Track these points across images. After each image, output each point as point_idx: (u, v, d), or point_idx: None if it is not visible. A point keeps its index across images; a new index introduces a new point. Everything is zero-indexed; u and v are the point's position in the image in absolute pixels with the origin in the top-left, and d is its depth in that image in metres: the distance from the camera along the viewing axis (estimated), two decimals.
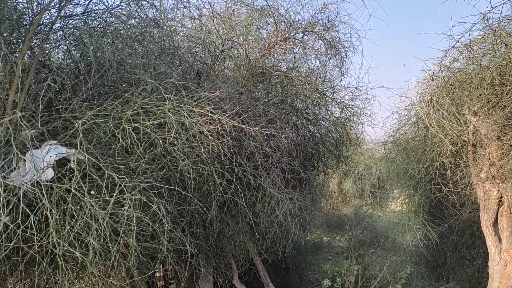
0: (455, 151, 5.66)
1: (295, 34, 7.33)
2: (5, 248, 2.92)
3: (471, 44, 4.95)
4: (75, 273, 3.21)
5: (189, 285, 9.67)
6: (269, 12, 7.27)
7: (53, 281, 3.40)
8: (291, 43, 7.38)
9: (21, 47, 4.50)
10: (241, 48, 7.15)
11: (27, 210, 3.00)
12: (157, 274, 8.01)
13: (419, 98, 6.04)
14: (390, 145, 7.71)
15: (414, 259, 8.69)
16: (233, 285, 6.83)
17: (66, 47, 4.70)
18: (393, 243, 9.06)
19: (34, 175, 3.54)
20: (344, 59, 7.48)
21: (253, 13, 7.35)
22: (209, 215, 4.83)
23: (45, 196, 3.04)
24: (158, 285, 8.25)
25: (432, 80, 5.04)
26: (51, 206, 3.02)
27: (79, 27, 4.52)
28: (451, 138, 5.50)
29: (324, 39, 7.45)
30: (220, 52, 6.72)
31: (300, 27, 7.26)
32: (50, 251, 3.21)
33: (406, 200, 7.16)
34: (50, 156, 3.78)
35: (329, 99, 7.66)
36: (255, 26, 7.42)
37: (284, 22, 7.31)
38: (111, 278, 3.34)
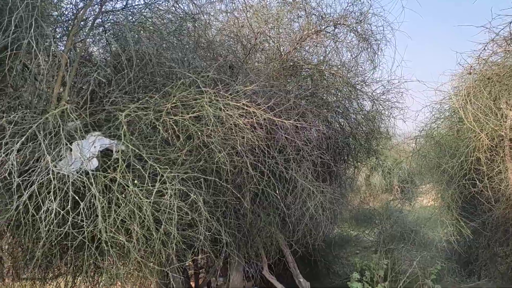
0: (491, 146, 5.56)
1: (327, 27, 7.32)
2: (57, 233, 3.10)
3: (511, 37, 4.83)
4: (119, 259, 3.36)
5: (220, 274, 9.87)
6: (301, 5, 7.28)
7: (98, 266, 3.57)
8: (323, 36, 7.37)
9: (63, 42, 4.71)
10: (273, 41, 7.19)
11: (76, 198, 3.17)
12: (188, 263, 8.22)
13: (454, 92, 5.94)
14: (422, 139, 7.62)
15: (444, 255, 8.58)
16: (263, 275, 6.95)
17: (106, 42, 4.86)
18: (423, 238, 8.97)
19: (81, 165, 3.73)
20: (376, 52, 7.42)
21: (285, 6, 7.38)
22: (242, 206, 4.94)
23: (94, 185, 3.19)
24: (189, 273, 8.47)
25: (470, 73, 4.96)
26: (99, 194, 3.17)
27: (119, 22, 4.67)
28: (487, 133, 5.41)
29: (356, 32, 7.41)
30: (253, 46, 6.78)
31: (332, 20, 7.23)
32: (96, 237, 3.37)
33: (438, 195, 7.08)
34: (95, 147, 3.96)
35: (360, 93, 7.62)
36: (286, 19, 7.44)
37: (315, 15, 7.31)
38: (151, 264, 3.48)
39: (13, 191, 3.06)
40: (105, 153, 3.93)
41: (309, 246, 7.01)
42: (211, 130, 4.03)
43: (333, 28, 7.41)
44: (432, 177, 7.05)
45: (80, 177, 3.28)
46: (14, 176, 3.03)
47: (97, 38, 4.85)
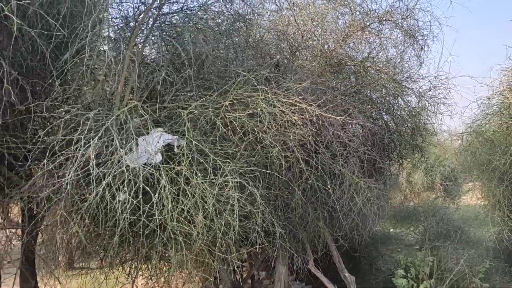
0: None
1: (372, 23, 7.33)
2: (130, 221, 3.36)
3: None
4: (185, 247, 3.59)
5: (265, 267, 10.07)
6: (346, 2, 7.32)
7: (164, 253, 3.81)
8: (367, 32, 7.38)
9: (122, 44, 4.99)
10: (318, 38, 7.27)
11: (147, 189, 3.42)
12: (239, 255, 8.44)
13: (507, 87, 5.83)
14: (470, 135, 7.50)
15: (493, 254, 8.41)
16: (309, 269, 7.07)
17: (163, 43, 5.12)
18: (470, 236, 8.81)
19: (148, 158, 3.99)
20: (423, 47, 7.36)
21: (330, 3, 7.44)
22: (292, 200, 5.09)
23: (163, 177, 3.44)
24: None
25: None
26: (168, 186, 3.41)
27: (177, 24, 4.92)
28: None
29: (401, 28, 7.37)
30: (299, 44, 6.91)
31: (377, 16, 7.24)
32: (162, 226, 3.61)
33: (488, 193, 6.95)
34: (158, 142, 4.22)
35: (406, 89, 7.58)
36: (331, 17, 7.50)
37: (360, 11, 7.33)
38: (215, 252, 3.68)
39: (91, 181, 3.35)
40: (167, 148, 4.18)
41: (355, 242, 7.08)
42: (266, 127, 4.19)
43: (378, 25, 7.41)
44: (481, 174, 6.93)
45: (150, 170, 3.53)
46: (93, 167, 3.31)
47: (155, 39, 5.11)
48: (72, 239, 3.76)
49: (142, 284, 6.10)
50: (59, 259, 10.21)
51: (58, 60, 3.99)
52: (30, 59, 3.98)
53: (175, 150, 4.18)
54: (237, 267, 8.25)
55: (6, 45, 3.73)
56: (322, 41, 7.22)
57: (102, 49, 4.66)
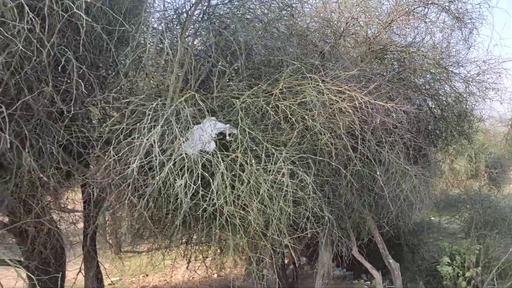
0: None
1: (417, 7, 7.18)
2: (191, 204, 3.56)
3: None
4: (240, 230, 3.76)
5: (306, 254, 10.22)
6: None
7: (219, 236, 4.00)
8: (412, 17, 7.24)
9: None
10: (361, 25, 7.21)
11: (206, 175, 3.60)
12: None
13: None
14: None
15: None
16: (352, 256, 7.14)
17: (212, 34, 5.25)
18: None
19: (202, 146, 4.17)
20: (471, 31, 7.15)
21: None
22: (340, 186, 5.16)
23: (221, 163, 3.60)
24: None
25: None
26: (226, 172, 3.58)
27: (226, 15, 5.04)
28: None
29: (448, 11, 7.18)
30: (343, 31, 6.88)
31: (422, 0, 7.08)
32: (219, 210, 3.79)
33: None
34: (212, 130, 4.39)
35: (453, 74, 7.41)
36: (374, 2, 7.41)
37: None
38: (268, 237, 3.83)
39: (155, 168, 3.56)
40: (221, 137, 4.35)
41: (399, 229, 7.07)
42: (316, 114, 4.27)
43: (424, 8, 7.25)
44: None
45: (209, 157, 3.70)
46: (158, 154, 3.52)
47: (204, 31, 5.25)
48: (134, 222, 4.00)
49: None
50: (111, 242, 10.70)
51: (118, 54, 4.21)
52: (92, 53, 4.22)
53: (227, 138, 4.34)
54: (282, 252, 8.44)
55: (72, 40, 3.97)
56: (366, 27, 7.16)
57: (151, 43, 4.88)
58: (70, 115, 3.79)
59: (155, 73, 4.60)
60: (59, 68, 3.72)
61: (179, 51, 4.61)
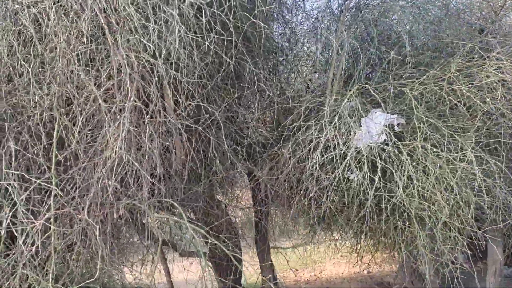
0: None
1: None
2: (373, 196, 3.58)
3: None
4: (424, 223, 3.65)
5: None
6: None
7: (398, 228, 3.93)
8: None
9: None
10: None
11: (388, 166, 3.58)
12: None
13: None
14: None
15: None
16: None
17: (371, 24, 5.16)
18: None
19: (372, 138, 4.16)
20: None
21: None
22: None
23: (404, 154, 3.55)
24: None
25: None
26: (409, 163, 3.51)
27: (381, 4, 4.97)
28: None
29: None
30: (503, 3, 6.21)
31: None
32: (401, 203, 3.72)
33: None
34: (380, 122, 4.34)
35: None
36: None
37: None
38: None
39: (334, 161, 3.67)
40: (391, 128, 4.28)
41: None
42: (499, 97, 3.92)
43: None
44: None
45: (387, 148, 3.68)
46: (337, 148, 3.62)
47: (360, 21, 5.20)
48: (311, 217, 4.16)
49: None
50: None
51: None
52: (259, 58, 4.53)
53: (396, 128, 4.25)
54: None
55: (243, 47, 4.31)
56: None
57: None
58: (249, 119, 4.11)
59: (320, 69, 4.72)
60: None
61: (334, 45, 4.67)
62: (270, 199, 4.68)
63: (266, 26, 3.96)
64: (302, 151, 3.99)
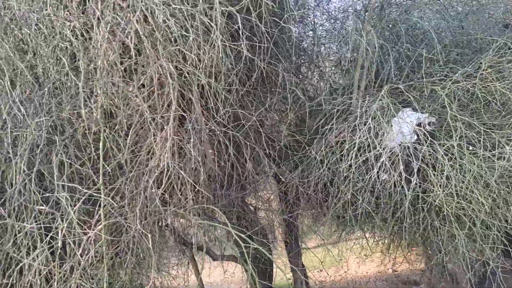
0: None
1: None
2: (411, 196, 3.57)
3: None
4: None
5: None
6: None
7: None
8: None
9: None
10: None
11: (425, 166, 3.57)
12: None
13: None
14: None
15: None
16: None
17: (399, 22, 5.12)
18: None
19: (403, 138, 4.14)
20: None
21: None
22: None
23: (441, 153, 3.53)
24: None
25: None
26: (447, 162, 3.50)
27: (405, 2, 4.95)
28: None
29: None
30: None
31: None
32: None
33: None
34: (410, 121, 4.32)
35: None
36: None
37: None
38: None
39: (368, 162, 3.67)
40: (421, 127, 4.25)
41: None
42: None
43: None
44: None
45: (423, 148, 3.67)
46: (372, 149, 3.62)
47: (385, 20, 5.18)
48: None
49: None
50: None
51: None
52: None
53: (427, 127, 4.23)
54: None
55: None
56: None
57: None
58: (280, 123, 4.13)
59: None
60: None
61: (362, 45, 4.66)
62: (301, 202, 4.70)
63: (296, 30, 3.98)
64: (333, 153, 4.00)
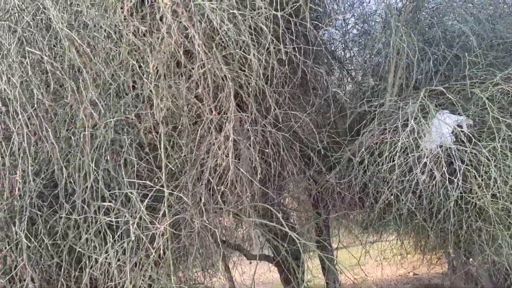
0: None
1: None
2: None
3: None
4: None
5: None
6: None
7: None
8: None
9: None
10: None
11: (471, 169, 3.63)
12: None
13: None
14: None
15: None
16: None
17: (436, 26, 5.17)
18: None
19: (440, 140, 4.21)
20: None
21: None
22: None
23: (485, 157, 3.60)
24: None
25: None
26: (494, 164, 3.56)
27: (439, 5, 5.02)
28: None
29: None
30: None
31: None
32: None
33: None
34: (449, 123, 4.38)
35: None
36: None
37: None
38: None
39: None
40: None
41: None
42: None
43: None
44: None
45: (466, 149, 3.73)
46: (415, 151, 3.69)
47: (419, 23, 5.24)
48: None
49: None
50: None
51: None
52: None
53: (465, 130, 4.29)
54: None
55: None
56: None
57: None
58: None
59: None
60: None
61: (394, 48, 4.72)
62: (338, 202, 4.78)
63: (336, 32, 4.07)
64: (372, 154, 4.08)
